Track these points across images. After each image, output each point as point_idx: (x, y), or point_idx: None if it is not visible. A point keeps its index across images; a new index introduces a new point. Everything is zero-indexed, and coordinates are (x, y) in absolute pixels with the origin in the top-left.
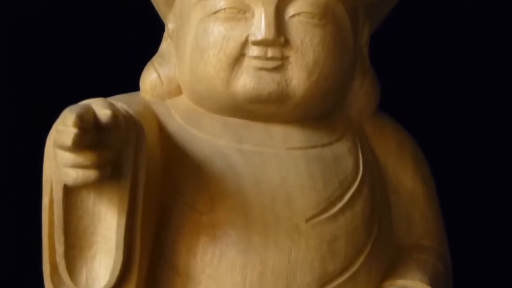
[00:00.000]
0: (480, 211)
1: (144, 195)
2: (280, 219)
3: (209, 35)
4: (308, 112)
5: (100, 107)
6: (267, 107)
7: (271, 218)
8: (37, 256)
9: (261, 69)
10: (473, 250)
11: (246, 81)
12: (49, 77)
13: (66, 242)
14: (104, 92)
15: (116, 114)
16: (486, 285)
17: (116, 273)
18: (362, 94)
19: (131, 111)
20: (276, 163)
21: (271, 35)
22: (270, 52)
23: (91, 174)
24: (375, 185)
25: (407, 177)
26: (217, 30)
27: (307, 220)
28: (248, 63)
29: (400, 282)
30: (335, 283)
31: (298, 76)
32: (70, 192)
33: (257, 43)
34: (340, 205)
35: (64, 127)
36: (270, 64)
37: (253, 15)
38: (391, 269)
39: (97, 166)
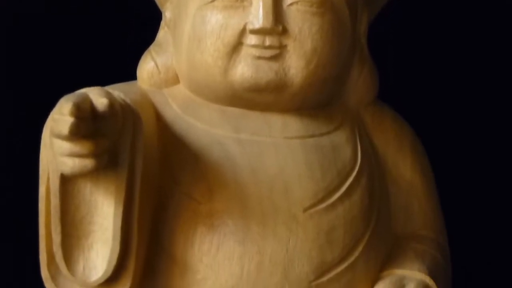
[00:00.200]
0: (480, 203)
1: (141, 184)
2: (278, 209)
3: (207, 23)
4: (306, 101)
5: (97, 96)
6: (265, 96)
7: (269, 207)
8: (37, 256)
9: (259, 57)
10: (472, 242)
11: (244, 70)
12: (49, 77)
13: (63, 232)
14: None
15: (113, 103)
16: (484, 277)
17: (113, 262)
18: (361, 83)
19: (128, 100)
20: (274, 153)
21: (269, 23)
22: (268, 41)
23: (88, 163)
24: (374, 174)
25: (406, 167)
26: (214, 18)
27: (305, 210)
28: (246, 52)
29: (399, 272)
30: (333, 273)
31: (296, 65)
32: (66, 181)
33: (255, 31)
34: (338, 194)
35: (61, 116)
36: (268, 52)
37: (250, 3)
38: (390, 259)
39: (94, 155)
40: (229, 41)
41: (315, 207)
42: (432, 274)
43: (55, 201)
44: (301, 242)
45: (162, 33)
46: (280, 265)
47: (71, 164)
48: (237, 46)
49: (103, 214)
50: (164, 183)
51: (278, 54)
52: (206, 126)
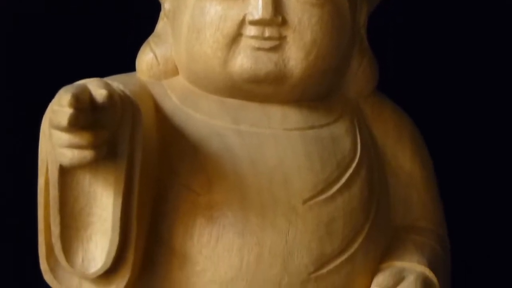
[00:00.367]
0: (479, 195)
1: (141, 175)
2: (277, 200)
3: (206, 14)
4: (305, 92)
5: (96, 87)
6: (264, 87)
7: (268, 199)
8: (37, 256)
9: (258, 49)
10: (471, 234)
11: (243, 61)
12: (49, 77)
13: (61, 223)
14: None
15: (112, 94)
16: (484, 268)
17: (112, 254)
18: (360, 74)
19: (127, 91)
20: (274, 144)
21: (268, 14)
22: (267, 32)
23: (87, 154)
24: (373, 166)
25: (405, 158)
26: (213, 9)
27: (305, 202)
28: (245, 43)
29: (398, 264)
30: (332, 265)
31: (295, 56)
32: (65, 173)
33: (254, 22)
34: (337, 186)
35: (60, 107)
36: (268, 44)
37: None
38: (389, 251)
39: (93, 146)
40: (228, 32)
41: (315, 199)
42: (431, 266)
43: (54, 192)
44: (301, 234)
45: (161, 24)
46: (280, 257)
47: (70, 156)
48: (236, 37)
49: (102, 205)
50: (163, 174)
51: (278, 45)
52: (205, 117)
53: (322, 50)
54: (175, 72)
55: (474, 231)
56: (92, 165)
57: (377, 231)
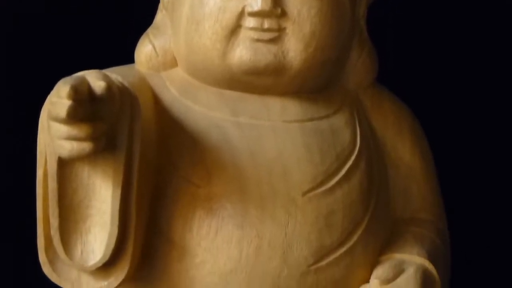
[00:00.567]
0: (479, 187)
1: (139, 167)
2: (276, 192)
3: (205, 6)
4: (305, 84)
5: (95, 79)
6: (264, 79)
7: (268, 191)
8: (36, 255)
9: (257, 40)
10: (471, 226)
11: (243, 52)
12: (50, 77)
13: (60, 215)
14: None
15: (110, 86)
16: (483, 261)
17: (111, 246)
18: (360, 66)
19: (125, 83)
20: (273, 136)
21: (267, 6)
22: (266, 23)
23: (86, 146)
24: (372, 158)
25: (405, 150)
26: (212, 1)
27: (304, 194)
28: (245, 35)
29: (398, 256)
30: (332, 257)
31: (295, 48)
32: (64, 165)
33: (253, 14)
34: (337, 178)
35: (58, 99)
36: (267, 35)
37: None
38: (389, 243)
39: (91, 138)
40: (228, 24)
41: (314, 191)
42: (431, 258)
43: (52, 184)
44: (300, 226)
45: (160, 16)
46: (279, 249)
47: (69, 148)
48: (235, 29)
49: (101, 197)
50: (162, 166)
51: (277, 36)
52: (204, 109)
53: (322, 41)
54: (174, 63)
55: (474, 224)
56: (91, 157)
57: (376, 223)
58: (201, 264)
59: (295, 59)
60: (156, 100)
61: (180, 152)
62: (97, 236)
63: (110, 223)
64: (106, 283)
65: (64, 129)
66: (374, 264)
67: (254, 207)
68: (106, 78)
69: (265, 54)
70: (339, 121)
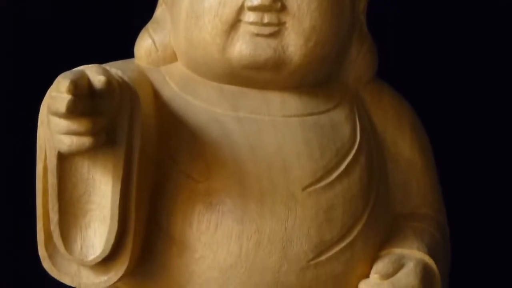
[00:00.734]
0: (479, 182)
1: (139, 162)
2: (276, 187)
3: (204, 0)
4: (305, 79)
5: (95, 73)
6: (264, 74)
7: (268, 186)
8: (36, 255)
9: (257, 35)
10: (471, 221)
11: (242, 47)
12: (50, 77)
13: (60, 210)
14: None
15: (110, 80)
16: (483, 255)
17: (111, 241)
18: (360, 61)
19: (125, 78)
20: (273, 131)
21: (267, 0)
22: (266, 18)
23: (86, 141)
24: (372, 153)
25: (405, 145)
26: None
27: (304, 188)
28: (244, 29)
29: (398, 251)
30: (332, 252)
31: (294, 43)
32: (64, 159)
33: (253, 8)
34: (337, 173)
35: (58, 94)
36: (267, 30)
37: None
38: (389, 238)
39: (91, 133)
40: (227, 18)
41: (314, 186)
42: (431, 252)
43: (52, 179)
44: (300, 221)
45: (160, 11)
46: (279, 244)
47: (68, 142)
48: (235, 23)
49: (101, 192)
50: (162, 161)
51: (277, 31)
52: (204, 104)
53: (322, 36)
54: (173, 58)
55: (474, 219)
56: (91, 152)
57: (376, 218)
58: (201, 259)
59: (295, 53)
60: (156, 95)
61: (179, 147)
62: (97, 231)
63: (110, 218)
64: (106, 278)
65: (63, 123)
66: (374, 259)
67: (253, 202)
68: (106, 73)
69: (265, 49)
70: (339, 116)
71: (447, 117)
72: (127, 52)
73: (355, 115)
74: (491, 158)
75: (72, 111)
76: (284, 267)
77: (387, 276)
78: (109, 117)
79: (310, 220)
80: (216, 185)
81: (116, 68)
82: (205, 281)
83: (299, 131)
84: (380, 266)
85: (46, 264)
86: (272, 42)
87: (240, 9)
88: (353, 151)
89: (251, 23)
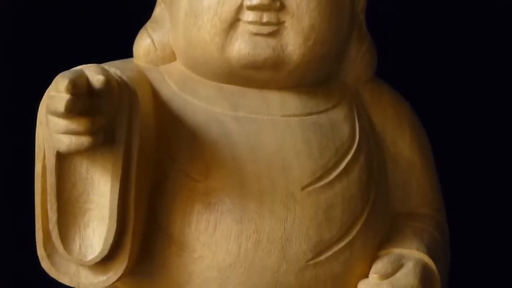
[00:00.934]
0: (479, 182)
1: (138, 162)
2: (275, 187)
3: None
4: (304, 78)
5: (93, 73)
6: (263, 73)
7: (267, 185)
8: (36, 255)
9: (256, 34)
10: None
11: (241, 46)
12: (49, 77)
13: (59, 210)
14: None
15: (109, 80)
16: (483, 255)
17: (110, 241)
18: (359, 61)
19: (124, 77)
20: (272, 130)
21: None
22: (265, 17)
23: (84, 140)
24: (372, 152)
25: (404, 145)
26: None
27: (303, 188)
28: (243, 28)
29: (397, 251)
30: (331, 251)
31: (294, 42)
32: (62, 159)
33: (252, 7)
34: (336, 172)
35: (57, 93)
36: (266, 29)
37: None
38: (388, 238)
39: (90, 132)
40: (226, 18)
41: (313, 185)
42: (430, 252)
43: (51, 179)
44: (299, 221)
45: (159, 10)
46: (278, 244)
47: (67, 142)
48: (234, 22)
49: (100, 192)
50: (161, 160)
51: (276, 30)
52: (203, 104)
53: (321, 35)
54: (172, 57)
55: (474, 218)
56: (90, 152)
57: (376, 217)
58: (199, 259)
59: (294, 52)
60: (155, 94)
61: (179, 146)
62: (96, 230)
63: (109, 218)
64: (104, 277)
65: (62, 123)
66: (373, 258)
67: (253, 202)
68: (105, 72)
69: (264, 48)
70: (338, 115)
71: (446, 117)
72: (126, 52)
73: (355, 114)
74: (490, 157)
75: (71, 111)
76: (283, 267)
77: (386, 276)
78: (108, 117)
79: (309, 220)
80: (215, 185)
81: (115, 68)
82: (204, 281)
83: (298, 130)
84: (379, 266)
85: (45, 264)
86: (271, 41)
87: (239, 8)
88: (352, 151)
89: (250, 22)
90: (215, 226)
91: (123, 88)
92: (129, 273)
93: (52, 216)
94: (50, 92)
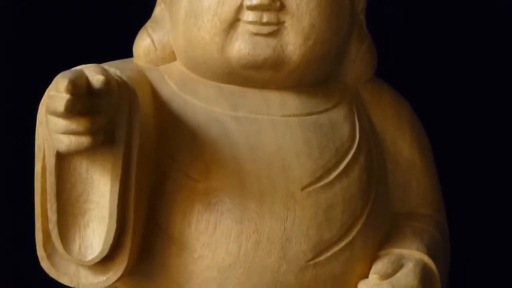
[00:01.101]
0: (479, 182)
1: (138, 162)
2: (275, 187)
3: None
4: (304, 78)
5: (93, 73)
6: (263, 73)
7: (267, 185)
8: (36, 255)
9: (256, 34)
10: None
11: (241, 46)
12: (49, 77)
13: (58, 210)
14: None
15: (109, 80)
16: (483, 255)
17: (110, 241)
18: (359, 61)
19: (124, 77)
20: (272, 131)
21: None
22: (265, 17)
23: (84, 140)
24: (372, 152)
25: (404, 145)
26: None
27: (303, 188)
28: (243, 28)
29: (397, 251)
30: (331, 252)
31: (294, 42)
32: (62, 159)
33: (252, 7)
34: (336, 172)
35: (57, 93)
36: (266, 29)
37: None
38: (388, 238)
39: (90, 132)
40: (226, 18)
41: (313, 186)
42: (430, 252)
43: (50, 179)
44: (299, 221)
45: (159, 10)
46: (278, 244)
47: (67, 142)
48: (234, 22)
49: (100, 192)
50: (161, 160)
51: (276, 30)
52: (203, 104)
53: (321, 35)
54: (172, 57)
55: (474, 218)
56: (89, 152)
57: (376, 217)
58: (199, 259)
59: (294, 52)
60: (155, 94)
61: (179, 146)
62: (96, 230)
63: (109, 218)
64: (104, 278)
65: (62, 123)
66: (373, 259)
67: (253, 202)
68: (105, 72)
69: (264, 48)
70: (338, 115)
71: (446, 117)
72: (126, 52)
73: (355, 114)
74: (491, 157)
75: (71, 111)
76: (283, 267)
77: (387, 276)
78: (107, 117)
79: (309, 220)
80: (215, 185)
81: (114, 68)
82: (204, 281)
83: (298, 130)
84: (379, 266)
85: (45, 264)
86: (271, 41)
87: (239, 8)
88: (352, 151)
89: (250, 22)
90: (215, 226)
91: (123, 88)
92: (129, 273)
93: (52, 216)
94: (50, 92)
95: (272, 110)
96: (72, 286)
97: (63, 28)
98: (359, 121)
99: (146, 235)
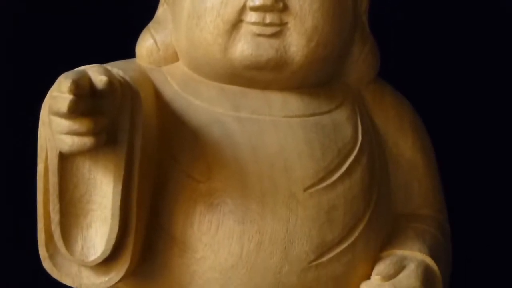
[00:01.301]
0: (481, 182)
1: (141, 162)
2: (278, 188)
3: (206, 0)
4: (306, 79)
5: (96, 73)
6: (265, 74)
7: (269, 186)
8: (37, 255)
9: (259, 35)
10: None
11: (244, 47)
12: (50, 77)
13: (61, 210)
14: None
15: (112, 80)
16: (484, 256)
17: (112, 241)
18: (361, 62)
19: (127, 77)
20: (274, 131)
21: (269, 0)
22: (268, 18)
23: (87, 141)
24: (374, 153)
25: (406, 146)
26: None
27: (305, 189)
28: (246, 29)
29: (399, 252)
30: (333, 253)
31: (296, 43)
32: (65, 159)
33: (255, 8)
34: (338, 173)
35: (60, 93)
36: (269, 30)
37: None
38: (390, 239)
39: (92, 133)
40: (229, 19)
41: (315, 187)
42: (432, 254)
43: (53, 179)
44: (301, 222)
45: (161, 10)
46: (280, 245)
47: (69, 142)
48: (237, 23)
49: (102, 192)
50: (163, 161)
51: (279, 31)
52: (206, 104)
53: (323, 36)
54: (175, 58)
55: (475, 219)
56: (92, 152)
57: (378, 219)
58: (202, 259)
59: (296, 53)
60: (157, 95)
61: (181, 146)
62: (98, 231)
63: (111, 218)
64: (107, 278)
65: (65, 123)
66: (375, 260)
67: (255, 203)
68: (107, 73)
69: (267, 49)
70: (341, 116)
71: (448, 118)
72: (129, 52)
73: (357, 115)
74: (492, 158)
75: (74, 111)
76: (285, 268)
77: (389, 277)
78: (110, 117)
79: (312, 221)
80: (217, 185)
81: (117, 68)
82: (206, 281)
83: (300, 131)
84: (381, 268)
85: (47, 264)
86: (274, 42)
87: (242, 9)
88: (355, 152)
89: (253, 23)
90: (218, 227)
91: (126, 89)
92: (131, 273)
93: (55, 217)
94: (52, 92)
95: (274, 111)
96: (74, 286)
97: (63, 28)
98: (361, 122)
99: (148, 235)
